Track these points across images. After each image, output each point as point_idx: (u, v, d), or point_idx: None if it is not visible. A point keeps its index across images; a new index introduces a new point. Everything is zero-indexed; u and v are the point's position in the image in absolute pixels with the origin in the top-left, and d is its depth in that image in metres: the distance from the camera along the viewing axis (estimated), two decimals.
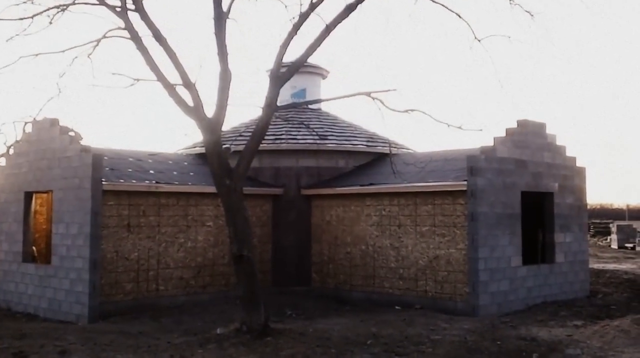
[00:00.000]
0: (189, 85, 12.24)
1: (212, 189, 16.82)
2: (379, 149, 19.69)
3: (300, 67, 12.69)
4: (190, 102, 12.39)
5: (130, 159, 17.72)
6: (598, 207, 76.85)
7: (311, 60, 21.64)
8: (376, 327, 13.37)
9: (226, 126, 21.25)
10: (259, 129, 12.65)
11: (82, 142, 15.89)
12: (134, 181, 16.08)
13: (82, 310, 15.03)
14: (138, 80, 12.53)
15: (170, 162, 18.52)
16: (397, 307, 16.43)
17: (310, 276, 18.79)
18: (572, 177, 18.02)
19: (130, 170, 16.82)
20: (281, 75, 12.60)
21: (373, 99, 12.66)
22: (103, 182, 15.33)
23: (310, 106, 21.67)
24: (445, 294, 15.88)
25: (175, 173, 17.60)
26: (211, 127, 12.36)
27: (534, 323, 13.95)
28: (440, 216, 16.06)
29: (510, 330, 13.16)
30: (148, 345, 12.09)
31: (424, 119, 14.87)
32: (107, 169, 16.17)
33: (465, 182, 15.33)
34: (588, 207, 19.57)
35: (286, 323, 14.10)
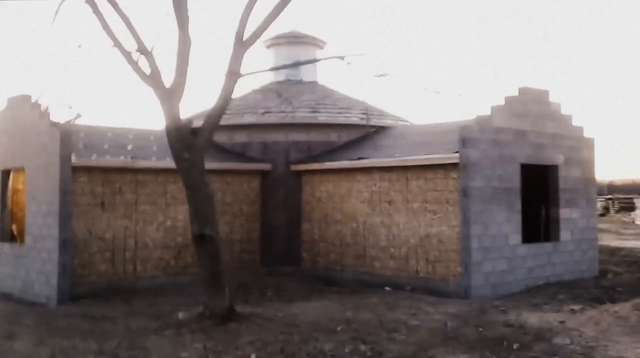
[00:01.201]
0: (145, 51, 11.28)
1: None
2: (374, 122, 18.57)
3: (265, 30, 11.62)
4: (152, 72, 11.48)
5: (109, 135, 16.83)
6: (630, 182, 74.64)
7: (306, 30, 20.71)
8: (353, 311, 12.41)
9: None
10: (222, 99, 11.66)
11: (58, 119, 15.05)
12: (108, 157, 15.22)
13: (51, 292, 14.30)
14: (80, 45, 11.64)
15: (152, 138, 17.60)
16: (387, 288, 15.43)
17: (301, 256, 17.85)
18: (579, 148, 16.75)
19: (106, 146, 15.96)
20: (246, 39, 11.55)
21: (347, 63, 11.60)
22: (73, 159, 14.52)
23: (304, 79, 20.63)
24: (437, 275, 14.83)
25: (155, 148, 16.68)
26: (169, 96, 11.41)
27: (528, 307, 12.85)
28: (432, 192, 14.96)
29: (499, 315, 12.09)
30: (102, 330, 11.31)
31: (404, 85, 13.74)
32: (81, 145, 15.38)
33: (457, 154, 14.20)
34: (615, 182, 18.22)
35: (260, 306, 13.19)
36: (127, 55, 11.46)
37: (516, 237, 14.93)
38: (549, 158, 15.92)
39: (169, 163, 15.63)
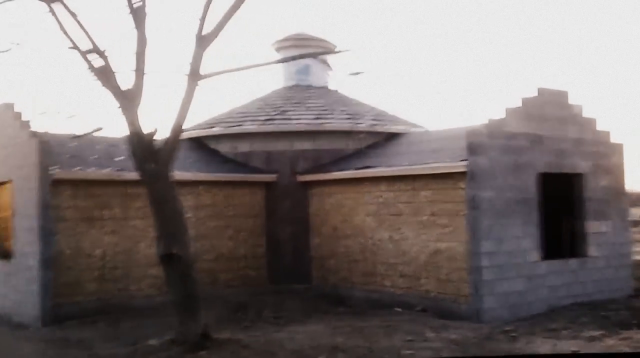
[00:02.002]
0: (98, 52, 10.36)
1: (190, 176, 15.17)
2: (386, 128, 17.38)
3: (222, 27, 10.58)
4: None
5: (103, 145, 16.02)
6: None
7: (317, 33, 19.66)
8: (346, 337, 11.23)
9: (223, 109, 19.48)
10: (183, 102, 10.64)
11: (40, 128, 14.30)
12: (93, 169, 14.37)
13: (34, 312, 13.49)
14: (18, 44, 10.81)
15: None
16: (397, 309, 14.20)
17: (310, 272, 16.71)
18: (607, 155, 15.25)
19: (95, 157, 15.13)
20: (205, 37, 10.52)
21: (323, 61, 10.53)
22: (56, 171, 13.71)
23: (314, 84, 19.55)
24: (449, 295, 13.54)
25: None
26: (128, 100, 10.45)
27: (543, 332, 11.47)
28: (441, 203, 13.69)
29: (507, 342, 10.76)
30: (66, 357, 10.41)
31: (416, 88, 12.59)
32: (68, 156, 14.60)
33: (465, 163, 12.92)
34: None
35: (248, 330, 12.15)
36: (84, 55, 10.55)
37: (535, 253, 13.55)
38: (572, 166, 14.50)
39: None
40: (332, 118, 17.21)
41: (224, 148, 17.42)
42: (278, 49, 20.02)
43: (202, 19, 10.39)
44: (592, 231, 14.67)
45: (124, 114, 10.43)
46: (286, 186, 16.79)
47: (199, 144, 17.98)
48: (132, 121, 10.51)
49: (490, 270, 12.74)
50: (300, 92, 18.90)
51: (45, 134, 13.69)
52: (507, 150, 13.23)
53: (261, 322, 13.12)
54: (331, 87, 20.06)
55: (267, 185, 16.87)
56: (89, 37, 10.32)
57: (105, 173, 14.41)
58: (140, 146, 10.55)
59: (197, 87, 10.57)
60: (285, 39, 19.74)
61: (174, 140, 10.73)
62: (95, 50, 10.31)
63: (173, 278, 10.56)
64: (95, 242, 14.32)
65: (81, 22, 10.29)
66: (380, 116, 18.07)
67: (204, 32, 10.49)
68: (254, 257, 16.58)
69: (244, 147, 17.16)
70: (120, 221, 14.69)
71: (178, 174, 15.13)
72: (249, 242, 16.51)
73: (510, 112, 13.45)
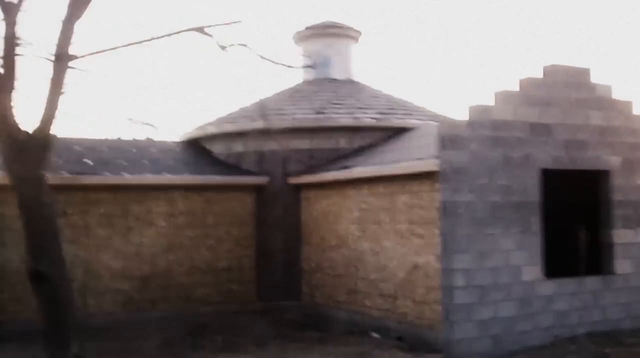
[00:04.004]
0: None
1: (163, 180, 13.78)
2: (394, 123, 15.09)
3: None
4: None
5: (75, 148, 14.92)
6: None
7: (337, 19, 17.68)
8: None
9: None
10: (51, 90, 9.07)
11: None
12: (50, 174, 13.10)
13: None
14: None
15: (134, 150, 15.43)
16: (373, 334, 12.09)
17: (300, 288, 14.75)
18: None
19: (58, 160, 13.93)
20: (73, 12, 8.90)
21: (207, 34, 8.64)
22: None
23: (337, 76, 17.56)
24: (425, 320, 11.19)
25: (123, 162, 14.45)
26: None
27: None
28: (418, 209, 11.37)
29: None
30: None
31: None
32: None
33: (436, 160, 10.55)
34: None
35: None
36: None
37: (534, 270, 10.91)
38: (594, 161, 11.69)
39: (126, 178, 13.49)
40: (333, 113, 15.15)
41: (218, 149, 15.83)
42: (298, 41, 18.20)
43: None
44: (620, 242, 11.77)
45: None
46: (277, 190, 14.93)
47: (195, 145, 16.50)
48: (2, 114, 9.08)
49: (466, 292, 10.29)
50: (314, 86, 17.00)
51: None
52: (496, 142, 10.71)
53: (204, 349, 11.37)
54: (357, 78, 17.97)
55: (258, 189, 15.07)
56: None
57: (59, 177, 13.12)
58: (9, 143, 9.10)
59: (66, 71, 9.00)
60: (306, 29, 17.89)
61: (44, 137, 9.21)
62: None
63: (41, 301, 9.01)
64: None
65: None
66: (393, 109, 15.77)
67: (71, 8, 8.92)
68: (240, 270, 14.82)
69: (238, 147, 15.48)
70: (80, 230, 13.43)
71: (149, 178, 13.80)
72: (233, 253, 14.78)
73: (502, 96, 10.91)
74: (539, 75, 11.34)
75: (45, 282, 8.86)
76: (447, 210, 10.29)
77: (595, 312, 11.47)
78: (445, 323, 10.27)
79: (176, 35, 9.59)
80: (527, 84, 11.15)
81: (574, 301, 11.27)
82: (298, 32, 17.89)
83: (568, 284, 11.25)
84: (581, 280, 11.42)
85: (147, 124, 24.39)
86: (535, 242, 10.92)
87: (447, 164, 10.32)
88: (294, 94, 16.60)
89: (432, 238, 10.96)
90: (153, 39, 9.69)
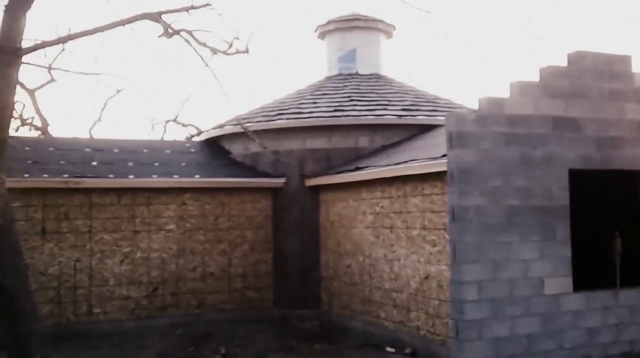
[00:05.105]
0: None
1: (172, 183, 13.15)
2: (419, 120, 14.02)
3: None
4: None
5: (86, 150, 14.44)
6: None
7: (367, 12, 16.78)
8: None
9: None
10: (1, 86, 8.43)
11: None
12: (45, 176, 12.66)
13: None
14: None
15: (146, 151, 14.84)
16: (388, 349, 11.10)
17: (320, 295, 13.87)
18: None
19: (62, 162, 13.48)
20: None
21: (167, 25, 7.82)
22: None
23: (361, 71, 16.59)
24: (437, 335, 10.15)
25: (131, 164, 13.87)
26: None
27: None
28: (430, 213, 10.33)
29: None
30: None
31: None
32: (29, 162, 13.15)
33: (443, 159, 9.50)
34: None
35: None
36: None
37: (559, 282, 9.72)
38: (631, 160, 10.38)
39: (133, 181, 12.92)
40: (352, 110, 14.18)
41: (237, 149, 15.09)
42: (322, 35, 17.32)
43: None
44: None
45: None
46: (294, 192, 14.08)
47: (214, 145, 15.81)
48: None
49: (477, 306, 9.20)
50: (336, 82, 16.07)
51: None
52: (512, 140, 9.57)
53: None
54: (385, 72, 16.94)
55: (275, 191, 14.25)
56: None
57: (60, 180, 12.64)
58: None
59: (17, 67, 8.36)
60: (329, 22, 16.97)
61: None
62: None
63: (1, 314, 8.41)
64: (50, 258, 12.62)
65: None
66: (419, 104, 14.69)
67: None
68: (256, 276, 14.04)
69: (255, 146, 14.69)
70: (83, 234, 12.88)
71: (156, 180, 13.20)
72: (249, 258, 14.01)
73: (518, 87, 9.76)
74: (563, 64, 10.13)
75: (7, 295, 8.24)
76: (455, 215, 9.23)
77: (633, 329, 10.18)
78: (455, 342, 9.21)
79: (130, 23, 8.87)
80: (549, 74, 9.95)
81: (607, 317, 10.02)
82: (320, 26, 16.99)
83: (600, 298, 10.01)
84: (616, 293, 10.15)
85: (189, 124, 23.97)
86: (560, 251, 9.72)
87: (454, 164, 9.26)
88: (315, 91, 15.69)
89: (444, 246, 9.92)
90: (107, 27, 9.00)
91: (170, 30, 9.30)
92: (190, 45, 10.00)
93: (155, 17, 9.29)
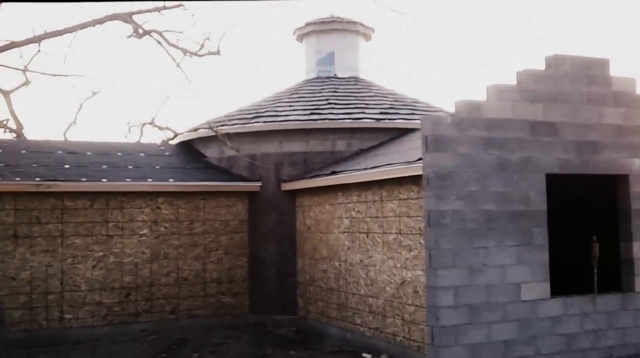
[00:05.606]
0: None
1: (146, 187, 12.90)
2: (397, 123, 13.90)
3: None
4: None
5: (59, 153, 14.17)
6: None
7: (346, 14, 16.64)
8: None
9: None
10: None
11: None
12: (17, 179, 12.38)
13: None
14: None
15: (120, 154, 14.59)
16: (365, 355, 10.91)
17: (296, 301, 13.69)
18: None
19: (35, 165, 13.20)
20: None
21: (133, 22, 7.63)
22: None
23: (340, 74, 16.45)
24: (414, 342, 10.01)
25: (104, 167, 13.61)
26: None
27: None
28: (406, 218, 10.19)
29: None
30: None
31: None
32: (1, 164, 12.88)
33: (419, 163, 9.38)
34: None
35: None
36: None
37: (537, 288, 9.61)
38: (610, 164, 10.31)
39: (105, 185, 12.64)
40: (330, 113, 14.04)
41: (212, 152, 14.88)
42: (300, 38, 17.17)
43: None
44: None
45: None
46: (271, 196, 13.90)
47: (189, 148, 15.60)
48: None
49: (454, 312, 9.07)
50: (313, 85, 15.92)
51: None
52: (489, 144, 9.47)
53: None
54: (364, 76, 16.81)
55: (251, 195, 14.06)
56: None
57: (32, 183, 12.36)
58: None
59: None
60: (307, 25, 16.82)
61: None
62: None
63: None
64: (22, 263, 12.34)
65: None
66: (397, 108, 14.57)
67: None
68: (231, 281, 13.84)
69: (230, 150, 14.48)
70: (56, 239, 12.61)
71: (130, 184, 12.97)
72: (224, 263, 13.81)
73: (495, 91, 9.65)
74: (541, 67, 10.04)
75: None
76: (431, 220, 9.10)
77: (611, 334, 10.09)
78: (431, 348, 9.07)
79: (101, 24, 8.69)
80: (527, 77, 9.86)
81: (585, 323, 9.92)
82: (299, 29, 16.85)
83: (578, 303, 9.91)
84: (593, 298, 10.06)
85: (165, 127, 23.71)
86: (538, 256, 9.61)
87: (430, 168, 9.13)
88: (292, 94, 15.54)
89: (420, 251, 9.78)
90: (78, 28, 8.79)
91: (140, 31, 9.12)
92: (162, 46, 9.81)
93: (126, 17, 9.10)
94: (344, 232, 11.87)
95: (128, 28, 11.04)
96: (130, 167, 13.82)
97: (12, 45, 9.18)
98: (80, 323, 12.66)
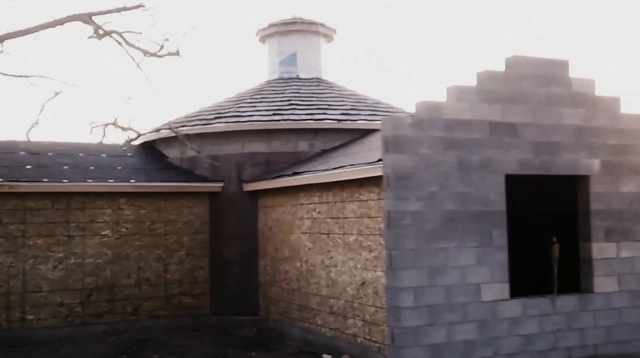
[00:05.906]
0: None
1: (107, 187, 12.72)
2: (359, 124, 13.88)
3: None
4: None
5: (21, 153, 13.95)
6: None
7: (308, 15, 16.59)
8: None
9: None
10: None
11: None
12: None
13: None
14: None
15: (81, 155, 14.39)
16: (324, 356, 10.87)
17: (258, 302, 13.61)
18: (635, 149, 10.92)
19: None
20: None
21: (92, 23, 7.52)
22: None
23: (302, 75, 16.39)
24: (374, 342, 9.99)
25: (66, 167, 13.41)
26: None
27: None
28: (367, 219, 10.17)
29: None
30: None
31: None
32: None
33: (379, 164, 9.36)
34: None
35: None
36: None
37: (497, 288, 9.64)
38: (569, 165, 10.38)
39: (67, 186, 12.51)
40: (292, 114, 13.97)
41: (173, 153, 14.73)
42: (262, 39, 17.07)
43: None
44: (600, 257, 10.44)
45: None
46: (232, 197, 13.80)
47: (151, 149, 15.43)
48: None
49: (414, 313, 9.06)
50: (276, 86, 15.85)
51: None
52: (449, 144, 9.48)
53: None
54: (326, 76, 16.77)
55: (212, 196, 13.95)
56: None
57: None
58: None
59: None
60: (270, 26, 16.72)
61: None
62: None
63: None
64: None
65: None
66: (359, 109, 14.56)
67: None
68: (193, 282, 13.72)
69: (188, 151, 14.33)
70: (17, 239, 12.42)
71: (91, 185, 12.79)
72: (185, 264, 13.68)
73: (455, 92, 9.67)
74: (501, 68, 10.09)
75: None
76: (391, 221, 9.08)
77: (571, 335, 10.15)
78: (391, 349, 9.06)
79: (61, 24, 8.56)
80: (486, 78, 9.89)
81: (544, 324, 9.97)
82: (261, 30, 16.75)
83: (537, 304, 9.95)
84: (553, 299, 10.11)
85: (128, 128, 23.43)
86: (497, 257, 9.65)
87: (390, 168, 9.11)
88: (254, 94, 15.45)
89: (380, 252, 9.76)
90: (38, 29, 8.66)
91: (100, 32, 9.00)
92: (122, 47, 9.69)
93: (86, 18, 8.97)
94: (306, 232, 11.82)
95: (89, 29, 10.95)
96: (92, 167, 13.64)
97: None
98: (41, 324, 12.48)
